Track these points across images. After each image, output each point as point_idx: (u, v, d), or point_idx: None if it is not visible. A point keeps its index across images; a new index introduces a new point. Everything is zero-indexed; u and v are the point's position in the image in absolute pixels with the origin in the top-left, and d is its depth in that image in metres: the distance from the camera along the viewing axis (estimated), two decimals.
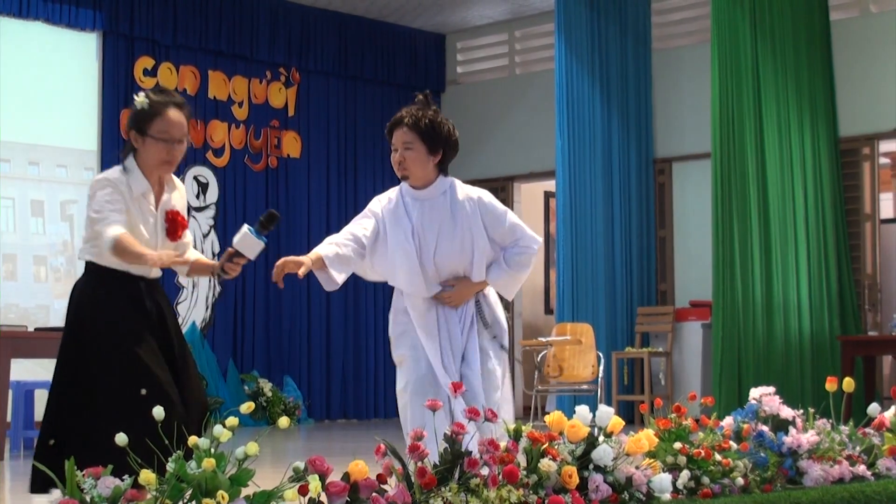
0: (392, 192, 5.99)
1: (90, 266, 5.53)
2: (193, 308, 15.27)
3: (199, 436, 4.25)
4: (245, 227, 5.57)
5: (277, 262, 5.59)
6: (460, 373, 5.87)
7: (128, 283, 5.51)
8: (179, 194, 5.72)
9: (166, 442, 4.44)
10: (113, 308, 5.44)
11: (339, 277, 5.84)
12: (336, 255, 5.87)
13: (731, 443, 6.14)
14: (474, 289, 5.93)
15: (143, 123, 5.49)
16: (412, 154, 5.78)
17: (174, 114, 5.51)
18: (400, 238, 5.89)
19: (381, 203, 6.02)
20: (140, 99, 5.47)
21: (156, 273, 5.66)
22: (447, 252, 5.87)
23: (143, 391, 5.26)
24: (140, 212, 5.50)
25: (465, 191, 6.02)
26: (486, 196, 6.05)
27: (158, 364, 5.40)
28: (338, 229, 6.31)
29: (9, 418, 10.97)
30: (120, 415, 5.15)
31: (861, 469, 6.49)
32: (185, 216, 5.74)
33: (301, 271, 5.61)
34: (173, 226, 5.64)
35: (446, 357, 5.86)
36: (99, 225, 5.33)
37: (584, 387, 13.52)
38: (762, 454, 6.14)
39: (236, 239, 5.56)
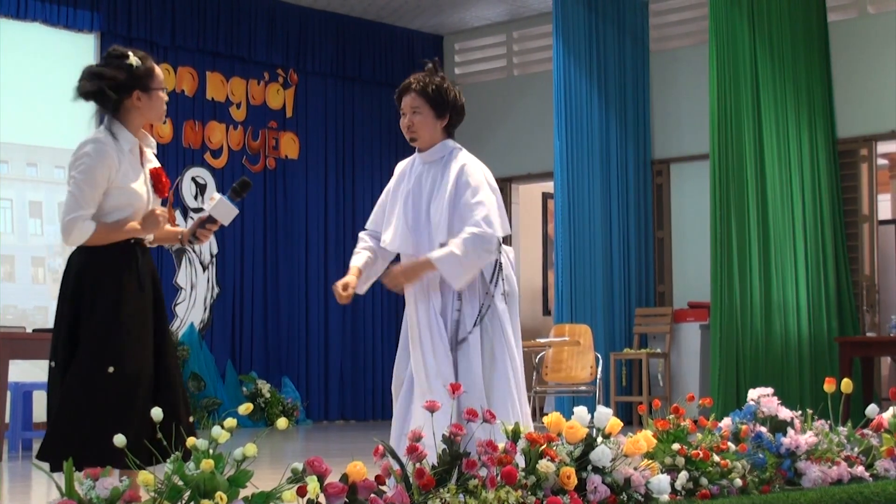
0: (412, 157, 6.10)
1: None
2: (191, 309, 15.26)
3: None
4: (218, 195, 5.69)
5: (337, 285, 5.77)
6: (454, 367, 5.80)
7: (126, 253, 5.48)
8: (153, 152, 5.76)
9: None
10: (114, 284, 5.40)
11: (362, 288, 5.97)
12: (365, 264, 5.99)
13: (730, 444, 6.14)
14: (421, 268, 5.73)
15: (145, 80, 5.54)
16: (420, 118, 5.96)
17: (156, 66, 5.66)
18: (397, 200, 5.98)
19: (397, 169, 6.15)
20: (133, 59, 5.52)
21: (149, 239, 5.65)
22: (435, 218, 5.86)
23: (112, 369, 5.25)
24: (132, 168, 5.52)
25: (463, 159, 5.99)
26: (471, 166, 5.95)
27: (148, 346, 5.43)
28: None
29: (7, 419, 10.96)
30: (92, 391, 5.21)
31: (859, 470, 6.50)
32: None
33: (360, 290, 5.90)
34: (159, 183, 5.65)
35: (426, 347, 5.77)
36: (72, 206, 5.36)
37: (583, 388, 13.53)
38: (760, 455, 6.14)
39: (211, 205, 5.65)
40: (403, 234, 5.90)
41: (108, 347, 5.27)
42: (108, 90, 5.54)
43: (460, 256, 5.62)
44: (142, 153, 5.62)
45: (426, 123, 5.98)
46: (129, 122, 5.59)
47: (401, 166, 6.13)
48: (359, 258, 5.99)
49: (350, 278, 5.85)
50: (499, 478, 4.84)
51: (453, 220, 5.80)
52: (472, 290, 5.85)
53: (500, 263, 5.93)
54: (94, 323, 5.31)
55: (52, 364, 5.35)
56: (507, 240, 6.18)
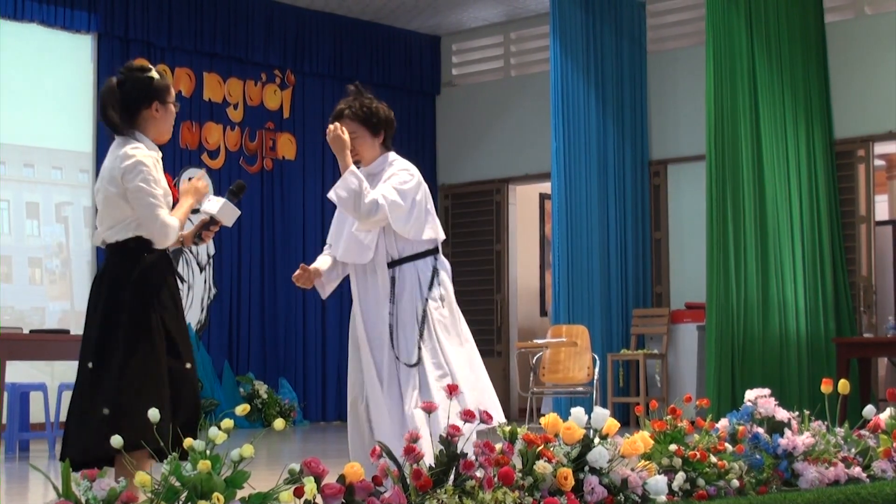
0: None
1: (130, 243, 5.67)
2: (188, 310, 15.25)
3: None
4: (217, 198, 5.95)
5: (300, 271, 6.24)
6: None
7: (163, 259, 5.77)
8: None
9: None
10: (153, 287, 5.66)
11: (325, 290, 6.46)
12: (329, 266, 6.43)
13: (727, 445, 6.14)
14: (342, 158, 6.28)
15: (164, 94, 5.82)
16: (359, 141, 6.33)
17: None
18: (346, 215, 6.41)
19: None
20: (154, 74, 5.80)
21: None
22: None
23: (188, 365, 5.66)
24: (161, 175, 5.82)
25: (396, 166, 6.37)
26: (397, 167, 6.35)
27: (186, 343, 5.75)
28: None
29: (4, 420, 10.96)
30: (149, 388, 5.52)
31: (856, 471, 6.50)
32: None
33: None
34: (171, 187, 5.92)
35: (373, 344, 6.19)
36: (158, 210, 5.64)
37: (580, 389, 13.53)
38: (757, 456, 6.14)
39: (216, 208, 5.89)
40: (349, 245, 6.31)
41: (172, 345, 5.62)
42: (144, 99, 5.78)
43: (356, 195, 6.09)
44: None
45: (365, 144, 6.36)
46: (147, 131, 5.82)
47: None
48: (324, 260, 6.43)
49: (315, 266, 6.36)
50: (496, 479, 4.84)
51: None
52: (411, 296, 6.18)
53: (437, 269, 6.27)
54: (152, 322, 5.59)
55: (90, 364, 5.65)
56: (445, 247, 6.51)
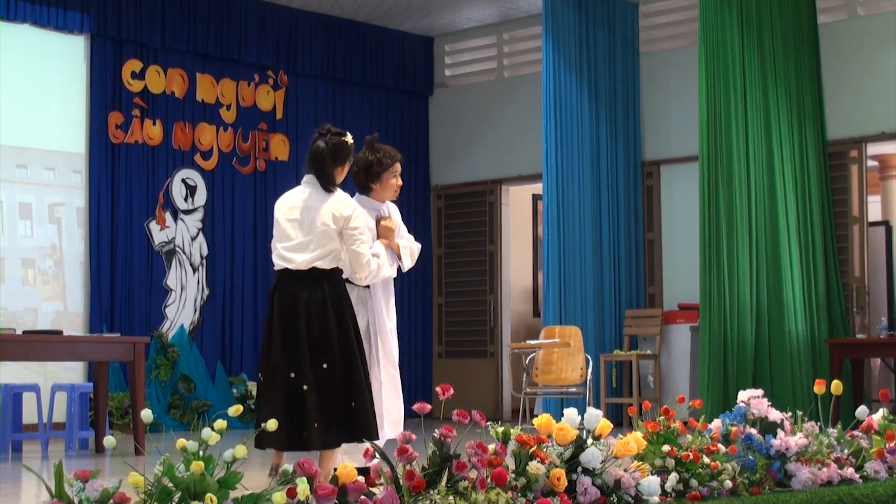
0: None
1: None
2: (182, 311, 15.24)
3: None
4: None
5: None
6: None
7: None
8: None
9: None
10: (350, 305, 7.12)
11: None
12: None
13: (720, 445, 6.16)
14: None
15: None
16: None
17: None
18: None
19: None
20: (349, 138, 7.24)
21: None
22: None
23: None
24: None
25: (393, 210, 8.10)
26: (395, 212, 8.15)
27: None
28: None
29: None
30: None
31: (849, 472, 6.51)
32: None
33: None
34: None
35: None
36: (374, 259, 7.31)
37: (573, 389, 13.53)
38: (750, 457, 6.15)
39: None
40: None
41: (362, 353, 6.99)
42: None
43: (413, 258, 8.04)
44: None
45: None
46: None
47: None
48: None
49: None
50: (489, 479, 4.84)
51: None
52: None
53: None
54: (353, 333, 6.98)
55: (325, 366, 6.79)
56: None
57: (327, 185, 7.13)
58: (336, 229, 6.97)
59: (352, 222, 6.99)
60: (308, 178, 7.26)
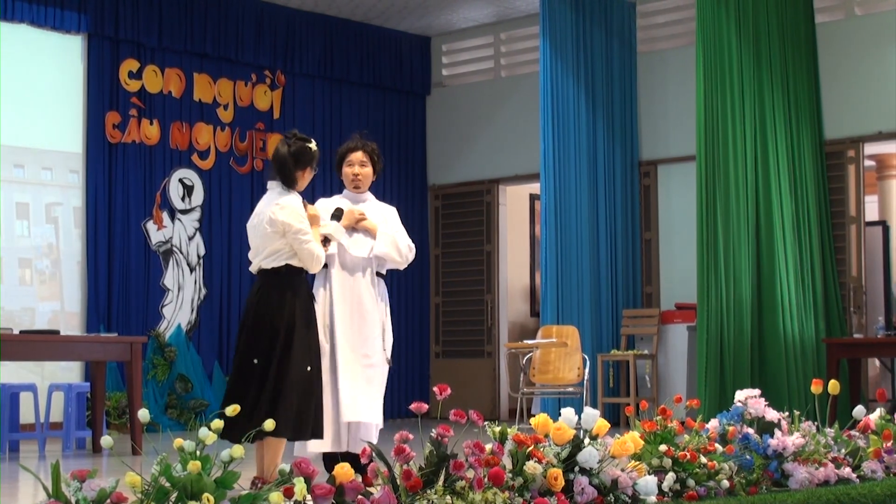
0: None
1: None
2: (179, 310, 15.24)
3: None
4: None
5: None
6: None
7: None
8: None
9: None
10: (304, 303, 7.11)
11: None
12: None
13: (717, 445, 6.16)
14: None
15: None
16: (366, 171, 8.23)
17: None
18: None
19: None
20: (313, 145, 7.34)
21: None
22: None
23: (309, 368, 6.91)
24: None
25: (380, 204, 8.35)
26: (392, 211, 8.39)
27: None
28: None
29: None
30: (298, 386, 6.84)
31: (846, 471, 6.51)
32: None
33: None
34: None
35: None
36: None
37: (570, 389, 13.53)
38: (747, 456, 6.16)
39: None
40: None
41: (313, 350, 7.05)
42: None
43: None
44: None
45: (368, 178, 8.25)
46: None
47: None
48: None
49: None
50: (486, 479, 4.84)
51: None
52: None
53: None
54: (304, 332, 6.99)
55: (256, 361, 6.85)
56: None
57: (288, 187, 7.20)
58: (273, 231, 7.01)
59: (292, 225, 7.00)
60: (270, 184, 7.28)
